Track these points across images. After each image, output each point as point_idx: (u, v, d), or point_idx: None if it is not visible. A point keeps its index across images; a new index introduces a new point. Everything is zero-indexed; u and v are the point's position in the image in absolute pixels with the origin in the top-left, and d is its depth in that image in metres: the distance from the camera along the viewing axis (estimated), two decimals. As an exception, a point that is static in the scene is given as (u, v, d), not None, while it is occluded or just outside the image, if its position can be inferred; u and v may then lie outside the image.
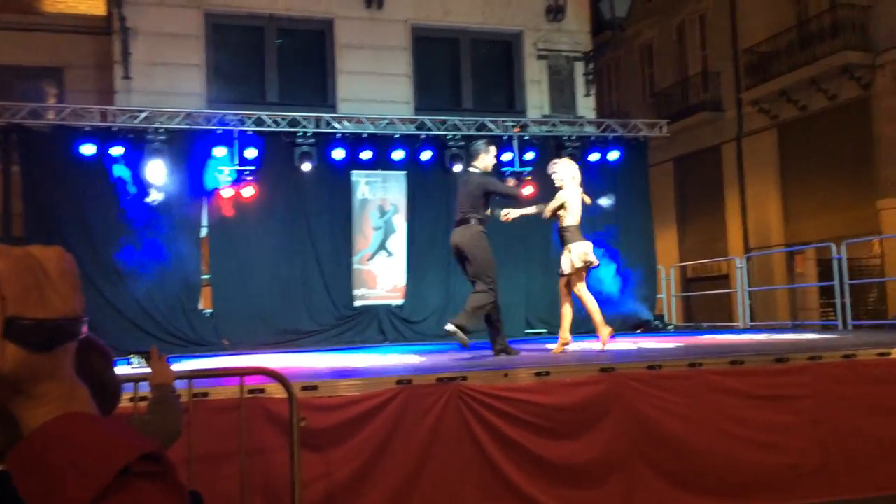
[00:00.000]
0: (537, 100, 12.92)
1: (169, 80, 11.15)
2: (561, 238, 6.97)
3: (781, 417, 5.02)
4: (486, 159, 6.80)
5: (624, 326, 11.46)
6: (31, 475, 0.63)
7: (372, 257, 11.23)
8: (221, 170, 10.20)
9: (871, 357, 5.37)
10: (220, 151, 10.15)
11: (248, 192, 10.19)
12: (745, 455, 4.88)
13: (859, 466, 5.05)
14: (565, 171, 6.99)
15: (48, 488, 0.61)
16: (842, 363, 5.29)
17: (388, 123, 11.13)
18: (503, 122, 11.58)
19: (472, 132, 11.18)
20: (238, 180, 10.16)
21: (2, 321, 0.63)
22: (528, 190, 11.28)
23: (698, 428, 4.86)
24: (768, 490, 4.87)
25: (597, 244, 7.65)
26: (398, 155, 10.87)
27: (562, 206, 6.90)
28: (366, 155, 10.71)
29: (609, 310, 11.11)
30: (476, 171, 6.78)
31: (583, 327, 9.16)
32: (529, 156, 11.38)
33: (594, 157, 11.71)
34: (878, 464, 5.07)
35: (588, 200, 7.10)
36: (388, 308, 11.05)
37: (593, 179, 11.61)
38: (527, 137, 11.59)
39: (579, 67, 13.16)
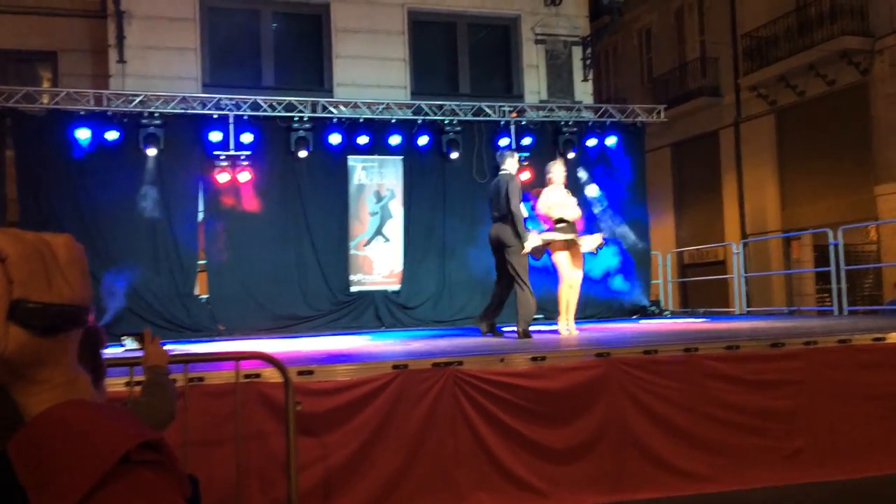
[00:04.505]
0: (535, 85, 12.87)
1: (164, 64, 11.08)
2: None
3: (775, 402, 5.05)
4: (511, 164, 7.49)
5: (620, 312, 11.50)
6: (31, 462, 0.62)
7: (368, 243, 11.21)
8: (217, 154, 10.16)
9: (865, 342, 5.39)
10: (215, 136, 10.11)
11: (245, 177, 10.15)
12: (736, 439, 4.91)
13: (850, 449, 5.08)
14: (559, 174, 7.52)
15: (48, 475, 0.61)
16: (836, 348, 5.31)
17: (384, 108, 11.08)
18: (500, 107, 11.53)
19: (469, 117, 11.15)
20: (234, 165, 10.12)
21: (7, 303, 0.63)
22: (525, 175, 11.27)
23: (691, 412, 4.89)
24: (758, 473, 4.90)
25: (591, 230, 7.93)
26: (395, 140, 10.83)
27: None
28: (362, 140, 10.66)
29: (605, 295, 11.17)
30: (507, 172, 7.42)
31: (578, 313, 9.19)
32: (527, 141, 11.36)
33: (591, 142, 11.68)
34: (869, 446, 5.10)
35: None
36: (384, 293, 11.05)
37: (590, 165, 11.62)
38: (524, 123, 11.55)
39: (577, 52, 13.10)
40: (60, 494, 0.60)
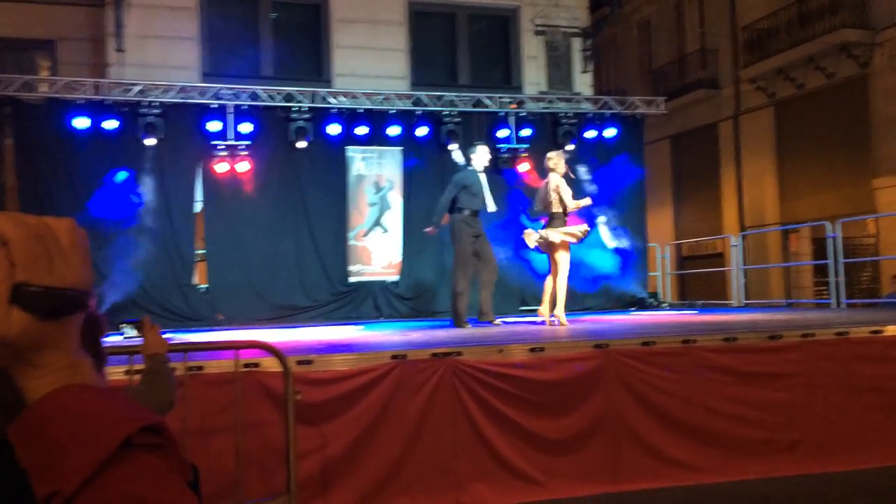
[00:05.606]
0: (534, 76, 12.83)
1: (163, 54, 11.04)
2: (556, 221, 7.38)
3: (772, 394, 5.07)
4: (477, 159, 7.71)
5: (617, 304, 11.51)
6: (32, 446, 0.63)
7: (367, 233, 11.21)
8: (216, 144, 10.15)
9: (863, 335, 5.40)
10: (214, 126, 10.08)
11: (243, 167, 10.14)
12: (734, 430, 4.93)
13: (847, 441, 5.10)
14: (563, 164, 7.59)
15: (49, 459, 0.61)
16: (834, 340, 5.32)
17: (383, 99, 11.06)
18: (500, 98, 11.51)
19: (469, 108, 11.13)
20: (233, 155, 10.11)
21: (9, 287, 0.63)
22: (524, 167, 11.26)
23: (688, 404, 4.90)
24: (755, 464, 4.92)
25: (589, 222, 8.00)
26: (394, 131, 10.80)
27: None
28: (361, 130, 10.64)
29: (601, 287, 11.19)
30: (473, 168, 7.71)
31: (577, 304, 9.23)
32: (526, 132, 11.34)
33: (591, 134, 11.67)
34: (866, 438, 5.12)
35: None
36: (383, 284, 11.06)
37: (589, 156, 11.60)
38: (523, 114, 11.53)
39: (577, 44, 13.06)
40: (62, 478, 0.60)
